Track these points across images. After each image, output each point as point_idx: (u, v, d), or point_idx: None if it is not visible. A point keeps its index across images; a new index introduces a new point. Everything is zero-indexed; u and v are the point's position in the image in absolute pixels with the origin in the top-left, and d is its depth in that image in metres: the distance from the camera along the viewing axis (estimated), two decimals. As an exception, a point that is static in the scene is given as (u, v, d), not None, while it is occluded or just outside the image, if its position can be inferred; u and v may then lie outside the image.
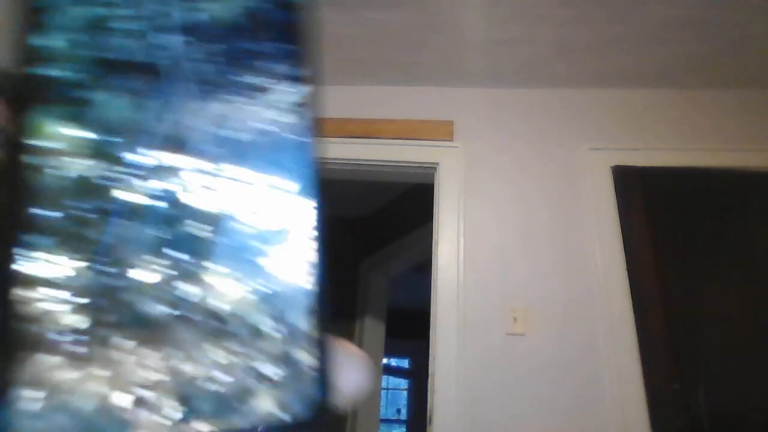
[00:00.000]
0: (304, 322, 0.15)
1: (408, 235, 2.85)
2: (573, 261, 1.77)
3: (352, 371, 0.18)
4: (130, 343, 0.13)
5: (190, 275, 0.14)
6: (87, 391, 0.12)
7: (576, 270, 1.76)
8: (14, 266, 0.13)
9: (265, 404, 0.13)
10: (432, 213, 1.90)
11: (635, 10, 1.66)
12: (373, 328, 3.20)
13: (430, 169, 1.95)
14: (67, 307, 0.13)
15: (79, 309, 0.13)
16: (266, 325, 0.14)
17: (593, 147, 1.92)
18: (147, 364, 0.13)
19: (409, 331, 4.52)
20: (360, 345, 3.15)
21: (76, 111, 0.14)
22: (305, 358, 0.14)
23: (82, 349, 0.12)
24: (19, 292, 0.12)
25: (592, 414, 1.58)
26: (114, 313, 0.13)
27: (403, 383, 7.06)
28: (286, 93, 0.16)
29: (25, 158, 0.14)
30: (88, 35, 0.14)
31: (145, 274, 0.13)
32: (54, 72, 0.14)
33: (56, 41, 0.14)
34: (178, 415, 0.12)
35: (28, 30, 0.14)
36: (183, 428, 0.12)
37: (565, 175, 1.90)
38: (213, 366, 0.13)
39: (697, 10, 1.64)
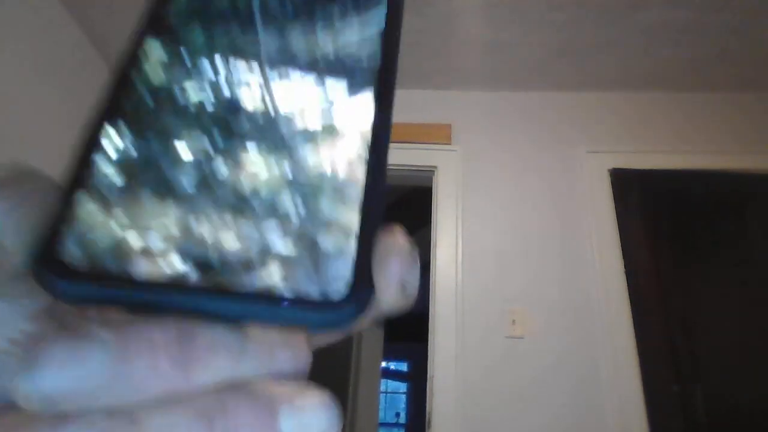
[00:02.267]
0: (342, 213, 0.14)
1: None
2: (571, 264, 1.77)
3: (398, 265, 0.15)
4: (152, 200, 0.13)
5: (226, 153, 0.14)
6: (106, 229, 0.13)
7: (574, 273, 1.76)
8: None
9: (275, 277, 0.13)
10: (430, 216, 1.90)
11: (631, 14, 1.67)
12: (372, 331, 3.20)
13: (429, 173, 1.95)
14: (109, 160, 0.14)
15: (119, 163, 0.14)
16: (289, 205, 0.14)
17: (591, 150, 1.93)
18: (163, 221, 0.13)
19: (407, 334, 4.52)
20: (358, 349, 3.15)
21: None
22: (334, 243, 0.13)
23: (112, 197, 0.13)
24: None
25: (591, 416, 1.58)
26: (147, 174, 0.14)
27: (401, 387, 7.05)
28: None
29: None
30: None
31: (183, 146, 0.14)
32: None
33: None
34: (182, 267, 0.13)
35: None
36: (186, 280, 0.12)
37: (563, 178, 1.90)
38: (225, 232, 0.13)
39: (692, 13, 1.65)
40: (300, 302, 0.13)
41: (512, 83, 2.03)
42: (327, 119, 0.16)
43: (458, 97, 2.06)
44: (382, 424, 6.67)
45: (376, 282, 0.14)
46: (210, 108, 0.15)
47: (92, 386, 0.12)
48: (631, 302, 1.68)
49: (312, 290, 0.13)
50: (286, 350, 0.14)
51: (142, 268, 0.13)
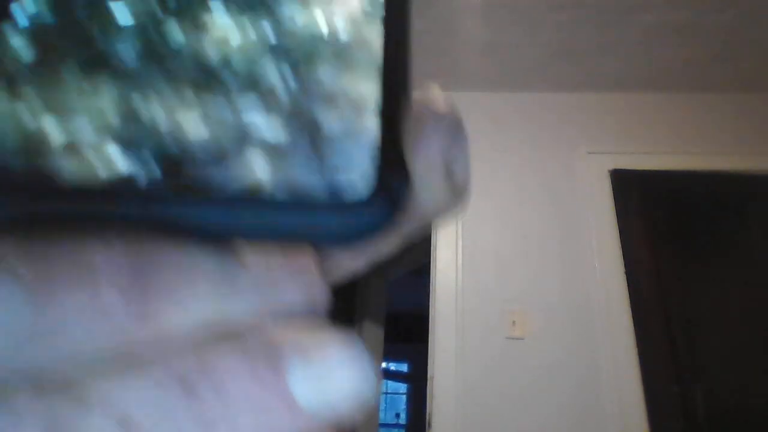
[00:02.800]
0: (349, 82, 0.10)
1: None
2: (572, 264, 1.77)
3: (441, 137, 0.11)
4: (77, 77, 0.10)
5: (181, 15, 0.11)
6: (15, 120, 0.09)
7: (575, 273, 1.76)
8: None
9: (261, 171, 0.09)
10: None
11: (631, 15, 1.67)
12: (372, 332, 3.20)
13: (429, 173, 1.95)
14: (16, 28, 0.10)
15: (28, 34, 0.10)
16: (274, 76, 0.10)
17: (591, 151, 1.93)
18: (95, 105, 0.09)
19: (408, 335, 4.52)
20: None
21: None
22: (341, 119, 0.10)
23: (22, 75, 0.10)
24: None
25: (591, 416, 1.58)
26: (70, 45, 0.10)
27: (402, 387, 7.05)
28: None
29: None
30: None
31: (119, 7, 0.10)
32: None
33: None
34: (122, 165, 0.09)
35: None
36: (134, 182, 0.09)
37: (564, 179, 1.90)
38: (184, 113, 0.09)
39: (692, 14, 1.65)
40: (309, 202, 0.09)
41: (512, 84, 2.03)
42: None
43: (458, 97, 2.06)
44: (383, 425, 6.67)
45: (412, 164, 0.10)
46: None
47: (5, 345, 0.08)
48: (631, 303, 1.68)
49: (317, 185, 0.09)
50: (293, 278, 0.10)
51: (68, 170, 0.09)
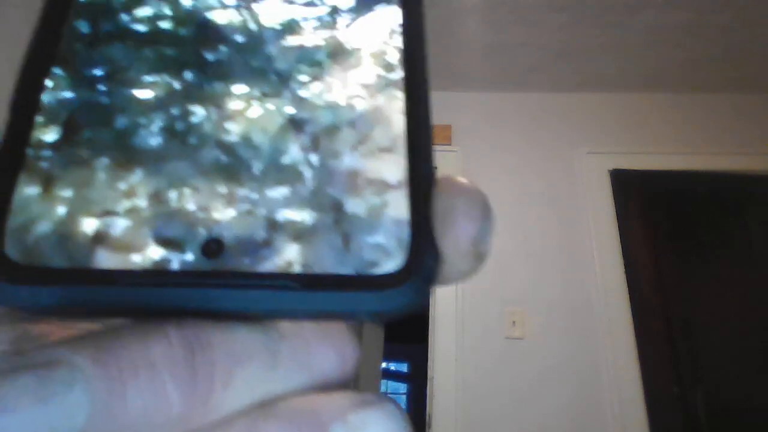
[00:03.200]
0: (371, 160, 0.10)
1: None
2: (572, 265, 1.77)
3: (470, 220, 0.11)
4: (104, 162, 0.10)
5: (200, 95, 0.11)
6: (45, 212, 0.10)
7: (575, 274, 1.76)
8: None
9: (290, 254, 0.09)
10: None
11: (631, 15, 1.67)
12: (372, 332, 3.20)
13: (429, 174, 1.95)
14: (48, 122, 0.10)
15: (49, 119, 0.10)
16: (294, 157, 0.10)
17: (591, 151, 1.92)
18: (124, 190, 0.10)
19: (408, 335, 4.52)
20: (359, 349, 3.15)
21: None
22: (366, 201, 0.10)
23: (44, 165, 0.10)
24: None
25: (591, 417, 1.57)
26: (93, 130, 0.10)
27: (402, 387, 7.05)
28: None
29: None
30: None
31: (142, 92, 0.11)
32: None
33: None
34: (157, 252, 0.09)
35: None
36: (168, 266, 0.09)
37: (564, 179, 1.90)
38: (210, 200, 0.10)
39: (692, 14, 1.65)
40: (348, 282, 0.09)
41: (512, 84, 2.03)
42: (333, 33, 0.12)
43: (458, 98, 2.06)
44: (382, 425, 6.64)
45: (442, 246, 0.10)
46: (171, 30, 0.11)
47: None
48: (631, 303, 1.68)
49: (342, 266, 0.09)
50: (328, 348, 0.10)
51: (104, 258, 0.09)
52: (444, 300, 1.74)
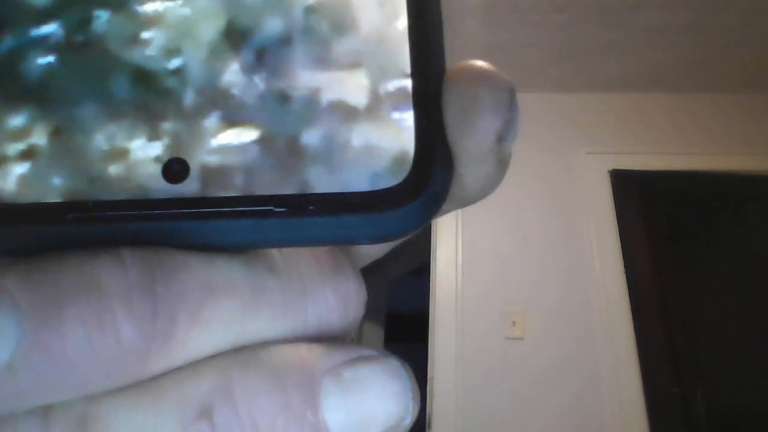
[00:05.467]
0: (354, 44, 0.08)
1: (406, 239, 2.85)
2: (571, 265, 1.77)
3: (490, 108, 0.09)
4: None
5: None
6: None
7: (574, 274, 1.76)
8: None
9: (267, 176, 0.08)
10: (430, 217, 1.90)
11: (631, 15, 1.67)
12: (372, 332, 3.20)
13: (429, 174, 1.95)
14: None
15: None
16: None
17: (590, 151, 1.92)
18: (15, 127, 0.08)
19: (408, 335, 4.51)
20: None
21: None
22: (354, 89, 0.08)
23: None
24: None
25: (591, 417, 1.57)
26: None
27: (401, 388, 7.05)
28: None
29: None
30: None
31: None
32: None
33: None
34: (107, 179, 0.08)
35: None
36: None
37: (563, 180, 1.90)
38: (196, 125, 0.08)
39: (692, 14, 1.65)
40: (338, 201, 0.08)
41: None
42: None
43: (458, 98, 2.06)
44: (382, 426, 6.66)
45: (462, 145, 0.08)
46: None
47: (5, 383, 0.07)
48: (631, 303, 1.68)
49: (348, 181, 0.08)
50: (327, 288, 0.09)
51: (21, 187, 0.08)
52: (444, 300, 1.74)
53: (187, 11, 0.08)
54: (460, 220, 1.84)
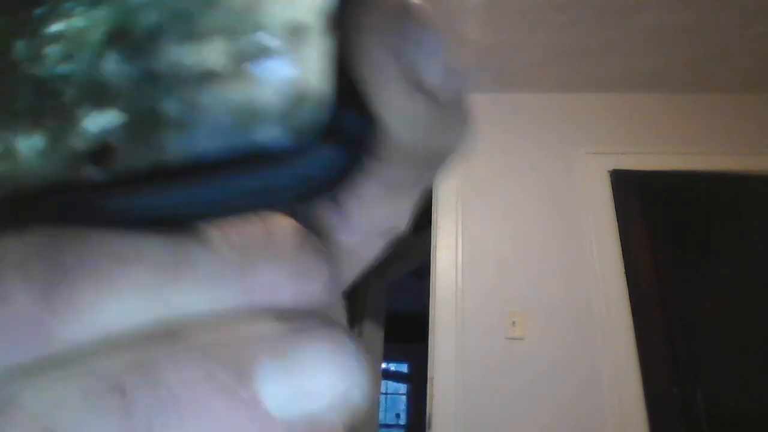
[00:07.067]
0: None
1: (406, 240, 2.85)
2: (571, 265, 1.77)
3: (380, 29, 0.08)
4: None
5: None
6: None
7: (574, 274, 1.76)
8: None
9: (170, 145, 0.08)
10: (430, 218, 1.90)
11: (631, 15, 1.67)
12: (372, 332, 3.20)
13: (429, 174, 1.95)
14: None
15: None
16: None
17: (590, 151, 1.92)
18: None
19: (408, 335, 4.52)
20: (359, 350, 3.14)
21: None
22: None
23: None
24: None
25: (591, 418, 1.57)
26: None
27: (402, 388, 7.05)
28: None
29: None
30: None
31: None
32: None
33: None
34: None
35: None
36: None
37: (563, 180, 1.90)
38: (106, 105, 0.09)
39: (692, 14, 1.65)
40: (248, 151, 0.07)
41: (512, 84, 2.03)
42: None
43: (458, 98, 2.06)
44: (383, 425, 6.67)
45: (363, 77, 0.08)
46: None
47: None
48: (631, 303, 1.68)
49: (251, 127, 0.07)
50: (277, 263, 0.08)
51: None
52: (444, 300, 1.74)
53: (81, 22, 0.09)
54: (460, 221, 1.84)
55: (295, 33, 0.08)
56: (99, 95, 0.09)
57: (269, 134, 0.07)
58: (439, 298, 1.75)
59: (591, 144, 1.94)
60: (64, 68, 0.09)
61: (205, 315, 0.07)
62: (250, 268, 0.08)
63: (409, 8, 0.08)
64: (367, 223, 0.10)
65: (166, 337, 0.07)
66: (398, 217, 0.10)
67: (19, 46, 0.09)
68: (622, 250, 1.75)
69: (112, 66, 0.09)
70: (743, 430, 1.53)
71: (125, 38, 0.09)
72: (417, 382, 6.21)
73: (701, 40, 1.76)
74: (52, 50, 0.09)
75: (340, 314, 0.09)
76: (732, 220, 1.79)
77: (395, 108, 0.08)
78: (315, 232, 0.09)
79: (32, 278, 0.07)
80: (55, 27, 0.09)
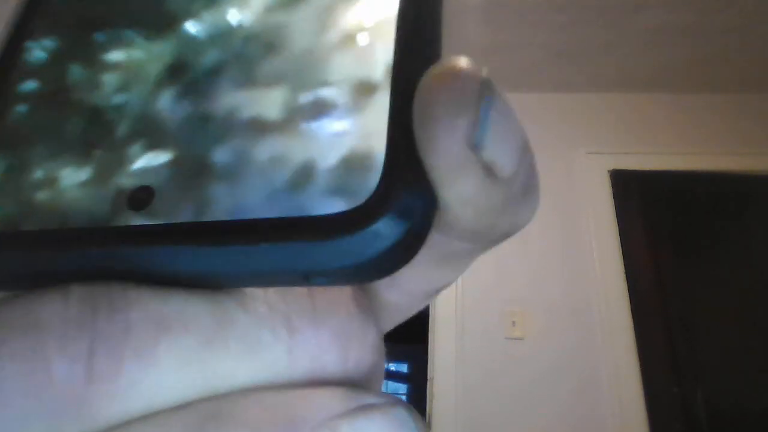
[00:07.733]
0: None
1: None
2: (571, 265, 1.77)
3: (447, 110, 0.07)
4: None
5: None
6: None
7: (574, 274, 1.76)
8: None
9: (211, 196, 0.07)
10: (430, 217, 1.90)
11: (630, 15, 1.67)
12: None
13: (428, 174, 1.95)
14: None
15: None
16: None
17: (590, 151, 1.92)
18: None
19: (408, 335, 4.51)
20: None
21: None
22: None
23: None
24: None
25: (591, 417, 1.57)
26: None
27: (402, 388, 7.04)
28: None
29: None
30: None
31: None
32: None
33: None
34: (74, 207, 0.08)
35: None
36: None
37: (563, 180, 1.90)
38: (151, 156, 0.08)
39: (693, 14, 1.65)
40: (285, 228, 0.07)
41: (512, 84, 2.03)
42: None
43: (458, 98, 2.06)
44: (382, 426, 6.65)
45: (427, 161, 0.07)
46: None
47: None
48: (631, 303, 1.68)
49: (302, 204, 0.07)
50: (318, 323, 0.07)
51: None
52: (444, 300, 1.74)
53: (141, 54, 0.09)
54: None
55: (362, 91, 0.08)
56: (150, 132, 0.08)
57: (322, 198, 0.07)
58: (438, 298, 1.75)
59: (591, 144, 1.94)
60: (118, 99, 0.09)
61: (250, 385, 0.07)
62: (292, 331, 0.07)
63: (485, 87, 0.08)
64: (416, 287, 0.09)
65: (217, 413, 0.07)
66: (449, 279, 0.10)
67: (75, 70, 0.09)
68: (622, 250, 1.75)
69: (166, 102, 0.09)
70: (743, 430, 1.53)
71: (183, 75, 0.09)
72: (417, 383, 6.21)
73: (701, 40, 1.75)
74: (108, 78, 0.09)
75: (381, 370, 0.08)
76: (732, 220, 1.79)
77: (463, 193, 0.07)
78: (360, 287, 0.08)
79: (67, 347, 0.06)
80: (114, 55, 0.09)
